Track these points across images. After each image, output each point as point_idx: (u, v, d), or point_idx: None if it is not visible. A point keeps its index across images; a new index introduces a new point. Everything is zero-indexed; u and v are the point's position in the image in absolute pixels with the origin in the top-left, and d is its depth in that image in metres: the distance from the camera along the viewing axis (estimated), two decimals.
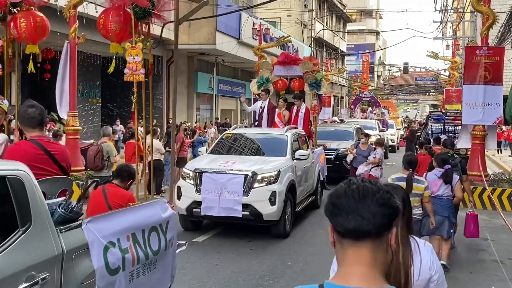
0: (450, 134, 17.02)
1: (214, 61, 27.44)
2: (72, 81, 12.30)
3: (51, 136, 12.70)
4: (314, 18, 40.90)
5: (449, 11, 35.06)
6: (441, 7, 34.14)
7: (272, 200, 8.65)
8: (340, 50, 50.92)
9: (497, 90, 12.79)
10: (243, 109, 13.85)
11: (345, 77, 53.98)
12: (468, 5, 21.01)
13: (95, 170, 10.56)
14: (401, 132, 34.81)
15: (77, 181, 11.75)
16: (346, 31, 55.20)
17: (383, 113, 34.57)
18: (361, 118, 32.24)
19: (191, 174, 9.10)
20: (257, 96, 15.17)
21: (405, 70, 55.16)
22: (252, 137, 10.90)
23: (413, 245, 2.83)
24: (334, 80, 45.26)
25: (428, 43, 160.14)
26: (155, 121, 21.93)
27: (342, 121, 28.47)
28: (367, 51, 60.28)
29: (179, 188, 9.16)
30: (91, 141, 15.44)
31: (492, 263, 8.01)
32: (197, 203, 8.79)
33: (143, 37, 6.79)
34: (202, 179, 8.78)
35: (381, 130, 25.41)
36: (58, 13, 12.70)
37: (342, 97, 53.58)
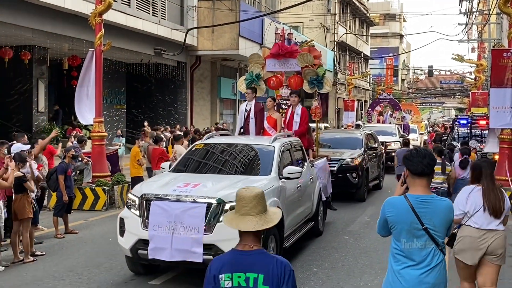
0: (477, 138, 16.80)
1: (237, 66, 27.54)
2: (98, 87, 12.43)
3: (76, 141, 12.89)
4: (337, 22, 40.76)
5: (474, 13, 34.61)
6: (466, 10, 33.74)
7: None
8: (364, 53, 50.61)
9: None
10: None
11: (368, 81, 53.62)
12: (494, 7, 20.71)
13: None
14: (425, 137, 33.98)
15: (103, 187, 11.89)
16: (369, 34, 54.86)
17: (404, 116, 32.45)
18: (378, 122, 29.95)
19: (137, 202, 6.76)
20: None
21: (430, 73, 54.54)
22: (229, 150, 8.35)
23: None
24: (358, 84, 45.02)
25: (453, 45, 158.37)
26: (178, 126, 22.04)
27: (358, 126, 27.79)
28: (390, 54, 59.85)
29: (122, 220, 6.89)
30: (117, 147, 15.62)
31: None
32: (144, 242, 6.53)
33: None
34: (150, 209, 6.53)
35: (401, 136, 23.34)
36: (69, 19, 12.88)
37: (365, 101, 53.21)
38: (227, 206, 6.40)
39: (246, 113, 10.75)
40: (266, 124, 10.57)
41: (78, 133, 15.98)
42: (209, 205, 6.42)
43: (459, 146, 12.89)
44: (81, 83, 12.61)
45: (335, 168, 12.99)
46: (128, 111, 24.80)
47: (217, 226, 6.38)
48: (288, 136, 9.55)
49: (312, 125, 12.08)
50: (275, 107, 11.04)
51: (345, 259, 8.22)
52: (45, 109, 18.67)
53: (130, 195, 7.06)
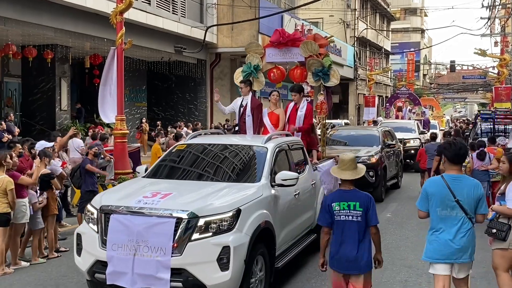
0: (501, 133, 16.58)
1: None
2: (120, 86, 12.55)
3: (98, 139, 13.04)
4: (357, 18, 40.50)
5: (497, 7, 34.09)
6: (488, 3, 33.24)
7: (223, 261, 5.24)
8: (384, 49, 50.21)
9: None
10: (221, 111, 10.27)
11: (389, 77, 53.20)
12: None
13: None
14: None
15: None
16: (390, 29, 54.40)
17: (424, 112, 31.36)
18: (397, 118, 29.30)
19: (96, 214, 5.70)
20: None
21: (452, 68, 53.85)
22: (215, 152, 7.14)
23: None
24: (379, 79, 44.70)
25: (476, 40, 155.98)
26: (200, 124, 22.19)
27: (375, 122, 27.34)
28: (412, 49, 59.25)
29: (78, 236, 5.81)
30: (138, 144, 15.77)
31: None
32: (103, 264, 5.47)
33: None
34: (109, 224, 5.46)
35: (421, 132, 22.91)
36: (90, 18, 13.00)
37: (386, 97, 52.79)
38: (201, 222, 5.28)
39: (242, 109, 9.60)
40: (266, 121, 9.39)
41: (100, 130, 16.16)
42: (178, 220, 5.26)
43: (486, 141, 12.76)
44: (104, 81, 12.74)
45: None
46: (149, 109, 24.99)
47: (189, 247, 5.23)
48: (287, 135, 8.43)
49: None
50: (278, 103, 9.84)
51: None
52: (68, 107, 18.92)
53: (89, 206, 5.93)
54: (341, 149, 13.27)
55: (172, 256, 5.19)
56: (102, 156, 12.01)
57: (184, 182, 6.58)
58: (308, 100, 10.39)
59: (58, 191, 8.73)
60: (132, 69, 21.03)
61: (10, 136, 14.24)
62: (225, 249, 5.24)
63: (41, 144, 8.99)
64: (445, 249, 4.75)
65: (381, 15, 49.68)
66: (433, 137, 15.19)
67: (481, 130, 18.09)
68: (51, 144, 9.31)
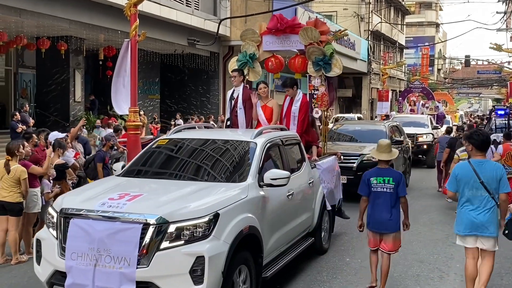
0: None
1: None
2: (133, 78, 12.59)
3: (112, 130, 13.10)
4: (372, 11, 40.21)
5: None
6: None
7: (197, 273, 4.61)
8: (399, 43, 49.84)
9: None
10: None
11: (403, 71, 52.83)
12: None
13: None
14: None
15: None
16: (404, 23, 53.96)
17: (437, 106, 31.12)
18: (412, 112, 29.03)
19: (55, 218, 5.11)
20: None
21: (467, 63, 53.30)
22: (198, 148, 6.45)
23: None
24: (393, 74, 44.40)
25: (491, 35, 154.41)
26: (212, 116, 22.22)
27: (387, 116, 27.15)
28: (426, 43, 58.76)
29: (38, 243, 5.23)
30: (151, 136, 15.81)
31: None
32: (62, 275, 4.89)
33: None
34: (68, 230, 4.87)
35: (434, 128, 22.53)
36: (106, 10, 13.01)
37: (400, 91, 52.45)
38: (171, 228, 4.64)
39: (233, 102, 8.74)
40: (262, 117, 8.57)
41: (114, 122, 16.23)
42: (146, 226, 4.63)
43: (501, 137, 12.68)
44: (117, 73, 12.77)
45: (354, 165, 11.86)
46: (162, 101, 25.08)
47: (157, 257, 4.60)
48: (282, 129, 7.69)
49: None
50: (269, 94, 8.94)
51: None
52: (82, 99, 19.04)
53: (50, 209, 5.34)
54: (346, 145, 12.93)
55: (137, 268, 4.58)
56: (116, 147, 12.10)
57: (160, 182, 5.86)
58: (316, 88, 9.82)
59: (71, 181, 8.78)
60: (145, 62, 21.11)
61: (24, 127, 14.38)
62: (199, 260, 4.60)
63: (54, 135, 9.06)
64: (471, 223, 5.52)
65: (395, 9, 49.29)
66: (449, 131, 15.64)
67: (495, 125, 17.95)
68: (64, 134, 9.37)
